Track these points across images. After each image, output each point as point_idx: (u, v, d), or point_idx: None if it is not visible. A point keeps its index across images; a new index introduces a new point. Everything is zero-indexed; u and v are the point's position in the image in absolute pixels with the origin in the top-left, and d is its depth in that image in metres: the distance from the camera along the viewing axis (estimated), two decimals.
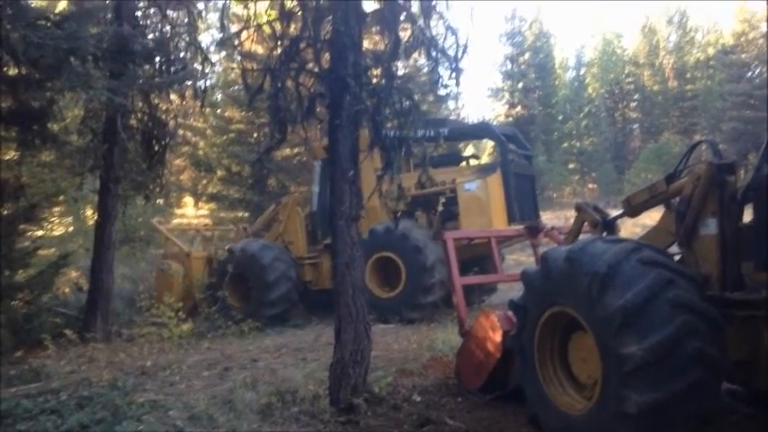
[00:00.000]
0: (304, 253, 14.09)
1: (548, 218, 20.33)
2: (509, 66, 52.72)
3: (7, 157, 11.70)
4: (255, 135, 25.13)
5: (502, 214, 12.20)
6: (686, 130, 51.58)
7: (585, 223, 6.21)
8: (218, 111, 28.03)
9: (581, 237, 6.14)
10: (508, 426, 5.44)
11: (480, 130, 15.02)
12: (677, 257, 4.78)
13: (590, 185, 54.94)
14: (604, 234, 5.74)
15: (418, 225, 12.45)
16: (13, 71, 9.43)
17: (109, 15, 11.02)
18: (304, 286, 13.83)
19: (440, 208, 12.74)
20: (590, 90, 61.99)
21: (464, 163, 14.11)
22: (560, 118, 56.47)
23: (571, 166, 56.40)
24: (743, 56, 46.21)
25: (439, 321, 11.30)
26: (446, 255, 7.22)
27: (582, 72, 64.96)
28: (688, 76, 57.05)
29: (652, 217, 6.72)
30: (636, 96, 59.29)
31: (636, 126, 59.60)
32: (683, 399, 3.89)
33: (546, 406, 4.81)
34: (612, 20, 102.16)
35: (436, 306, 11.95)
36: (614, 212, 6.08)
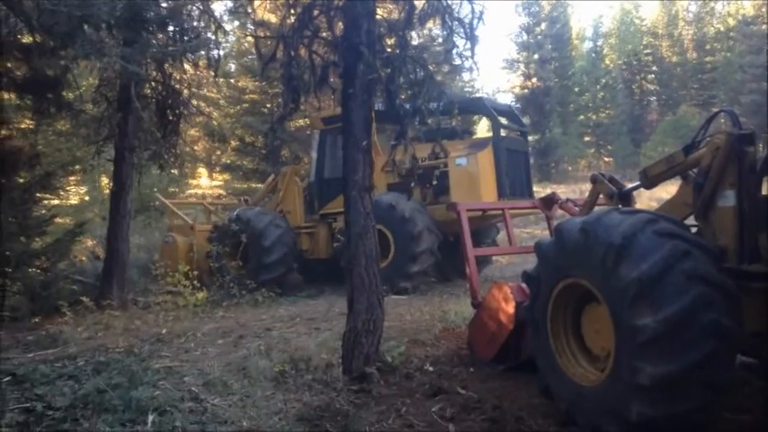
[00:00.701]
0: (301, 222, 14.24)
1: (562, 191, 20.22)
2: (524, 36, 52.09)
3: (23, 126, 11.77)
4: (269, 105, 25.11)
5: (492, 190, 12.23)
6: (705, 102, 50.94)
7: (601, 195, 6.16)
8: (232, 81, 27.99)
9: (596, 209, 6.09)
10: (520, 396, 5.46)
11: (473, 105, 14.87)
12: (694, 230, 4.73)
13: (606, 158, 54.60)
14: (620, 206, 5.69)
15: (403, 196, 12.33)
16: (27, 39, 9.43)
17: None
18: (300, 255, 13.96)
19: (434, 181, 12.75)
20: (607, 61, 61.32)
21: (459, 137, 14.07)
22: (576, 90, 55.99)
23: (587, 138, 56.07)
24: (763, 27, 45.34)
25: (451, 292, 11.33)
26: (459, 226, 7.20)
27: (599, 43, 64.24)
28: (707, 47, 56.23)
29: (668, 191, 6.65)
30: (654, 68, 58.59)
31: (653, 98, 59.00)
32: (697, 370, 3.86)
33: (558, 377, 4.81)
34: None
35: (426, 274, 12.15)
36: (630, 185, 6.01)
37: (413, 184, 12.46)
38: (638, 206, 5.81)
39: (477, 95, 13.76)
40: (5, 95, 10.51)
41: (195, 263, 13.56)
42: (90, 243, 16.94)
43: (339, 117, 13.28)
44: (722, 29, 56.47)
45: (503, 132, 13.10)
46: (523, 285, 5.76)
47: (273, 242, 12.89)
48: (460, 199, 11.59)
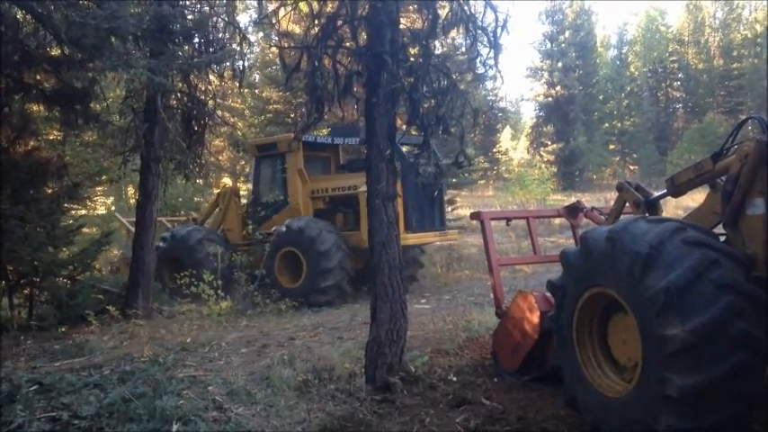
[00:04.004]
0: (240, 240, 14.87)
1: (587, 199, 20.05)
2: (548, 45, 51.90)
3: (51, 137, 11.95)
4: (293, 115, 25.26)
5: (399, 223, 12.54)
6: (732, 109, 50.28)
7: (627, 203, 6.09)
8: (256, 91, 28.22)
9: (622, 217, 6.02)
10: (545, 407, 5.40)
11: None
12: (722, 238, 4.65)
13: (631, 167, 54.11)
14: (647, 214, 5.61)
15: (314, 220, 13.18)
16: (55, 51, 9.59)
17: None
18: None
19: (348, 210, 13.65)
20: (632, 69, 60.81)
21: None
22: (601, 98, 55.58)
23: (612, 146, 55.64)
24: None
25: (475, 302, 11.26)
26: (483, 235, 7.14)
27: (624, 50, 63.72)
28: (734, 54, 55.49)
29: (695, 199, 6.56)
30: (680, 75, 58.05)
31: (679, 106, 58.44)
32: (726, 382, 3.80)
33: (584, 388, 4.75)
34: None
35: (339, 288, 12.56)
36: (657, 193, 5.94)
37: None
38: (664, 214, 5.73)
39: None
40: (34, 107, 10.70)
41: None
42: (115, 252, 17.15)
43: (271, 145, 14.28)
44: (749, 35, 55.65)
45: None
46: (548, 294, 5.70)
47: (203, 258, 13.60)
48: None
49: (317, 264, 12.32)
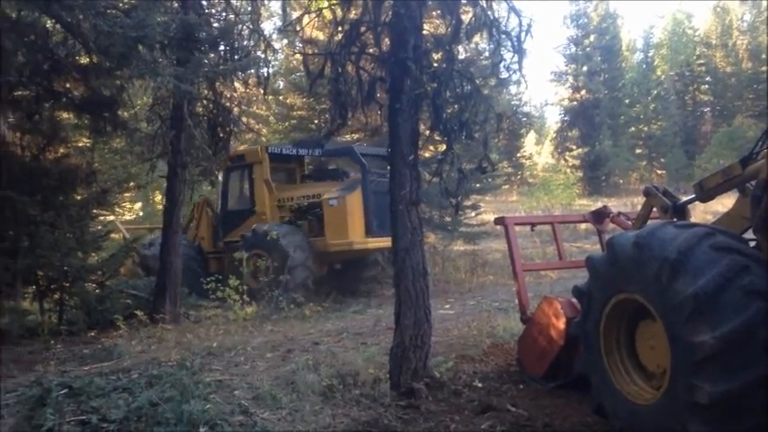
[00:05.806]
0: (211, 248, 15.63)
1: (613, 204, 19.87)
2: (573, 49, 51.55)
3: (80, 144, 12.14)
4: (316, 121, 25.33)
5: (360, 228, 13.55)
6: (761, 113, 49.45)
7: (654, 208, 6.02)
8: (280, 98, 28.37)
9: (649, 222, 5.96)
10: (572, 414, 5.35)
11: (345, 152, 16.09)
12: (752, 243, 4.58)
13: (658, 171, 53.49)
14: (675, 219, 5.55)
15: (277, 224, 14.18)
16: (84, 60, 9.75)
17: (175, 4, 11.26)
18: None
19: (312, 217, 14.41)
20: (659, 72, 60.15)
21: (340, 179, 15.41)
22: (627, 102, 55.07)
23: (638, 151, 55.05)
24: None
25: (500, 307, 11.20)
26: (507, 240, 7.11)
27: (650, 54, 63.05)
28: (763, 56, 54.51)
29: (724, 204, 6.46)
30: (707, 78, 57.28)
31: (707, 109, 57.69)
32: (756, 389, 3.73)
33: (612, 395, 4.71)
34: None
35: (305, 287, 13.13)
36: (685, 198, 5.87)
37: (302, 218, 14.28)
38: (693, 220, 5.66)
39: (349, 145, 15.84)
40: (64, 115, 10.89)
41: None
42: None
43: (239, 156, 15.03)
44: None
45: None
46: (574, 300, 5.66)
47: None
48: (332, 236, 13.56)
49: (283, 263, 12.85)
